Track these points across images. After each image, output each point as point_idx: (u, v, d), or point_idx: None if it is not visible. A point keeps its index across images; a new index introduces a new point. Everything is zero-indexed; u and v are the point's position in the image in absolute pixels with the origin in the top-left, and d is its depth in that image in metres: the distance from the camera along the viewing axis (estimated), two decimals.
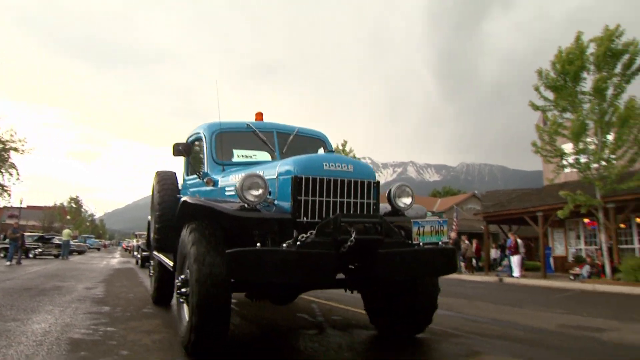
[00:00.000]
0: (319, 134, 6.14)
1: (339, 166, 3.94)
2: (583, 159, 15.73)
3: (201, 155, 5.60)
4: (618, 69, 15.25)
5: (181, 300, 4.11)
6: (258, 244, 3.42)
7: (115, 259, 28.51)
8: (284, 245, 3.53)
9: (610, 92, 15.29)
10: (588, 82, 15.72)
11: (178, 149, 5.52)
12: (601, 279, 14.78)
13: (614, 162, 15.13)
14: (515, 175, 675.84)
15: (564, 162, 16.42)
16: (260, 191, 3.76)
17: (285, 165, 4.06)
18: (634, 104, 14.73)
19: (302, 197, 3.80)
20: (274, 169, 4.16)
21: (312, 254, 3.43)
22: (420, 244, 3.99)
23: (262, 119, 5.93)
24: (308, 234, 3.57)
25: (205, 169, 5.32)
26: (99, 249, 53.91)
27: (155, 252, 6.49)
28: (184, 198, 4.31)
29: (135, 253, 22.63)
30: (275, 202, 3.96)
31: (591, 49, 15.71)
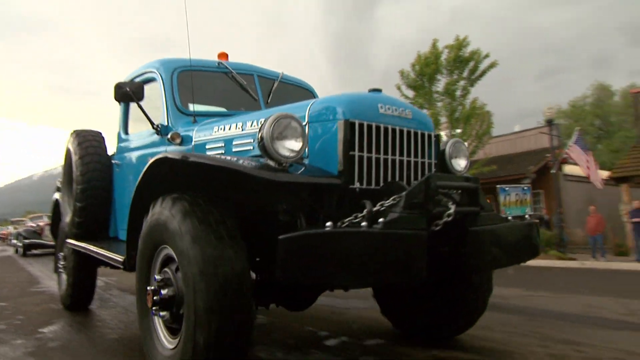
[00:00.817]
0: (305, 84, 4.94)
1: (396, 111, 2.90)
2: None
3: (156, 103, 4.05)
4: (465, 73, 17.99)
5: (153, 312, 2.73)
6: (329, 223, 2.22)
7: None
8: (363, 225, 2.31)
9: (458, 93, 18.02)
10: (442, 83, 18.33)
11: (123, 92, 3.81)
12: None
13: None
14: None
15: None
16: (300, 142, 2.51)
17: (325, 103, 2.86)
18: (476, 104, 17.59)
19: (355, 153, 2.69)
20: (303, 110, 2.90)
21: (406, 237, 2.35)
22: (509, 217, 3.13)
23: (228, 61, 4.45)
24: (379, 207, 2.43)
25: (165, 121, 3.88)
26: None
27: (72, 241, 4.82)
28: (162, 153, 2.84)
29: (15, 241, 21.76)
30: (306, 160, 2.77)
31: (445, 54, 18.30)
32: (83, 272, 5.22)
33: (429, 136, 3.07)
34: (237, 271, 2.33)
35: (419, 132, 3.01)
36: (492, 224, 2.82)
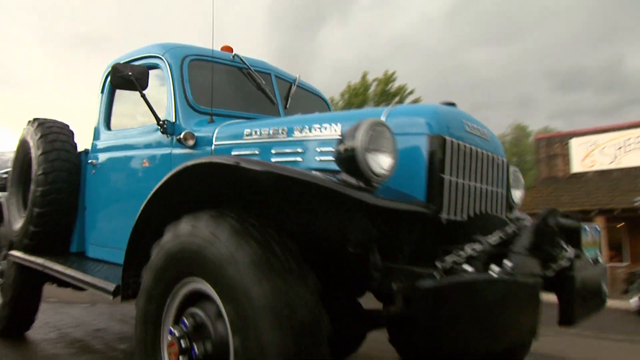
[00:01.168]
0: (320, 93, 4.49)
1: (477, 130, 2.50)
2: None
3: (156, 95, 3.37)
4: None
5: None
6: (469, 268, 1.86)
7: None
8: (496, 269, 1.87)
9: None
10: None
11: (123, 77, 3.02)
12: None
13: None
14: None
15: None
16: (392, 158, 2.00)
17: (407, 113, 2.42)
18: None
19: (446, 176, 2.23)
20: (377, 117, 2.29)
21: (531, 286, 1.88)
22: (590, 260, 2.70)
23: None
24: (482, 246, 1.95)
25: (172, 117, 3.22)
26: None
27: (20, 254, 3.99)
28: (205, 157, 2.26)
29: None
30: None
31: (374, 87, 19.65)
32: (25, 290, 4.33)
33: (503, 163, 2.69)
34: (315, 314, 1.77)
35: (496, 157, 2.61)
36: (585, 269, 2.34)
